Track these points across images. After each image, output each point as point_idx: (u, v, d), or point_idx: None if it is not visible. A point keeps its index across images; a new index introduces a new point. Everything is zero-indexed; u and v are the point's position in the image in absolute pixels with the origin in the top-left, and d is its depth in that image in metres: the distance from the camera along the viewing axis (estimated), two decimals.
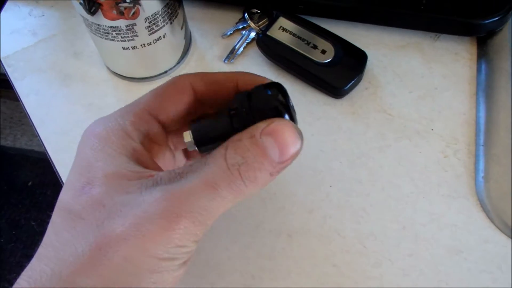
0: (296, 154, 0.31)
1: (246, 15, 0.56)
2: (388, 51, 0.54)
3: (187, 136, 0.33)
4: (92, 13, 0.45)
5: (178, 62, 0.54)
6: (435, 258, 0.42)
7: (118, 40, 0.48)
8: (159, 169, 0.34)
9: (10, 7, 0.62)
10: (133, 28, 0.46)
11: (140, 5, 0.45)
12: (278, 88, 0.32)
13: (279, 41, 0.52)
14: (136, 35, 0.47)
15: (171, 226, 0.28)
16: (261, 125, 0.30)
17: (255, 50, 0.55)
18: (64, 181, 0.48)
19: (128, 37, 0.47)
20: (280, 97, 0.32)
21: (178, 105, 0.34)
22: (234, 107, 0.32)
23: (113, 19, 0.45)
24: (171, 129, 0.36)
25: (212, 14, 0.59)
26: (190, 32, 0.56)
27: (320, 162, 0.47)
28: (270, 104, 0.31)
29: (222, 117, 0.33)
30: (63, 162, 0.50)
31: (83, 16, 0.47)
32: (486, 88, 0.50)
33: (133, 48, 0.49)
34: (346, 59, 0.51)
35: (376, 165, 0.47)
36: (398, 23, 0.54)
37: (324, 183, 0.46)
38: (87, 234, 0.29)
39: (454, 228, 0.43)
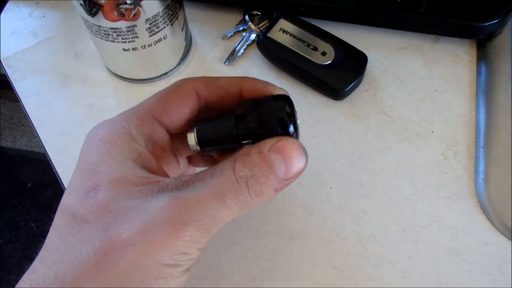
0: (300, 172, 0.32)
1: (247, 17, 0.56)
2: (388, 53, 0.54)
3: (191, 136, 0.33)
4: (92, 14, 0.45)
5: (179, 64, 0.54)
6: (435, 260, 0.42)
7: (118, 42, 0.48)
8: (164, 174, 0.34)
9: (10, 8, 0.62)
10: (133, 30, 0.46)
11: (140, 6, 0.45)
12: (286, 100, 0.33)
13: (279, 43, 0.52)
14: (137, 37, 0.47)
15: (178, 233, 0.28)
16: (269, 142, 0.31)
17: (255, 52, 0.55)
18: (64, 182, 0.48)
19: (129, 38, 0.47)
20: (288, 108, 0.32)
21: (182, 109, 0.34)
22: (241, 112, 0.33)
23: (114, 21, 0.45)
24: (174, 133, 0.36)
25: (213, 15, 0.59)
26: (190, 34, 0.56)
27: (320, 163, 0.47)
28: (277, 114, 0.32)
29: (228, 119, 0.33)
30: (63, 163, 0.50)
31: (83, 18, 0.47)
32: (486, 90, 0.50)
33: (134, 49, 0.49)
34: (347, 61, 0.51)
35: (377, 167, 0.47)
36: (398, 25, 0.54)
37: (324, 185, 0.46)
38: (92, 238, 0.29)
39: (454, 230, 0.43)
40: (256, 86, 0.35)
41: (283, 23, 0.53)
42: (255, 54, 0.55)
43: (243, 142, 0.33)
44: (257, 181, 0.30)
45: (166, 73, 0.54)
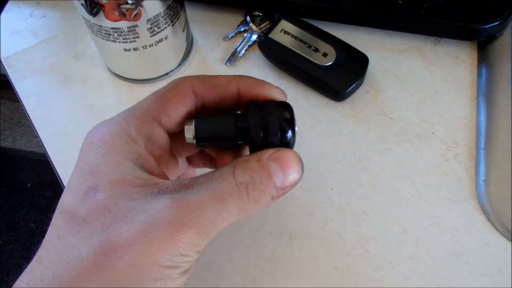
0: (296, 182, 0.33)
1: (248, 18, 0.56)
2: (389, 55, 0.54)
3: (189, 129, 0.33)
4: (94, 14, 0.45)
5: (180, 64, 0.54)
6: (435, 261, 0.42)
7: (119, 42, 0.48)
8: (163, 174, 0.34)
9: (11, 8, 0.62)
10: (134, 30, 0.46)
11: (142, 6, 0.45)
12: (287, 107, 0.34)
13: (280, 43, 0.52)
14: (138, 37, 0.47)
15: (177, 235, 0.28)
16: (268, 151, 0.32)
17: (256, 53, 0.55)
18: (64, 182, 0.48)
19: (130, 38, 0.47)
20: (288, 115, 0.33)
21: (179, 108, 0.34)
22: (242, 112, 0.34)
23: (115, 21, 0.45)
24: (173, 132, 0.36)
25: (214, 16, 0.59)
26: (191, 34, 0.56)
27: (321, 164, 0.47)
28: (278, 119, 0.33)
29: (228, 118, 0.33)
30: (63, 163, 0.50)
31: (84, 17, 0.47)
32: (486, 92, 0.50)
33: (135, 49, 0.49)
34: (348, 62, 0.51)
35: (377, 168, 0.47)
36: (399, 27, 0.54)
37: (325, 186, 0.46)
38: (91, 238, 0.29)
39: (454, 231, 0.43)
40: (253, 85, 0.35)
41: (284, 24, 0.53)
42: (256, 55, 0.55)
43: (240, 142, 0.33)
44: (256, 188, 0.30)
45: (167, 74, 0.54)
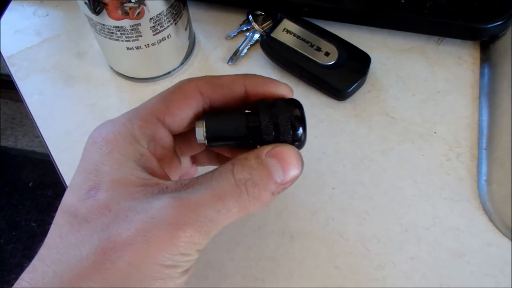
0: (296, 177, 0.33)
1: (250, 17, 0.56)
2: (391, 55, 0.54)
3: (200, 129, 0.33)
4: (97, 12, 0.45)
5: (182, 63, 0.54)
6: (437, 261, 0.42)
7: (122, 40, 0.48)
8: (165, 175, 0.34)
9: (14, 7, 0.62)
10: (137, 28, 0.46)
11: (145, 5, 0.45)
12: (297, 104, 0.34)
13: (283, 43, 0.52)
14: (141, 35, 0.47)
15: (177, 234, 0.28)
16: (266, 148, 0.32)
17: (259, 52, 0.55)
18: (66, 181, 0.48)
19: (133, 37, 0.47)
20: (298, 112, 0.33)
21: (184, 109, 0.34)
22: (252, 111, 0.34)
23: (118, 19, 0.45)
24: (177, 133, 0.36)
25: (217, 15, 0.59)
26: (194, 33, 0.56)
27: (323, 164, 0.47)
28: (290, 117, 0.33)
29: (238, 116, 0.33)
30: (66, 162, 0.50)
31: (87, 16, 0.47)
32: (489, 92, 0.50)
33: (137, 48, 0.49)
34: (350, 61, 0.51)
35: (379, 168, 0.47)
36: (401, 26, 0.54)
37: (327, 185, 0.46)
38: (92, 237, 0.29)
39: (456, 231, 0.43)
40: (260, 82, 0.35)
41: (286, 23, 0.53)
42: (259, 54, 0.55)
43: (251, 141, 0.33)
44: (255, 185, 0.30)
45: (169, 73, 0.54)
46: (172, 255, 0.28)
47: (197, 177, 0.31)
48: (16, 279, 0.29)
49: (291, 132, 0.33)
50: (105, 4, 0.44)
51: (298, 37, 0.52)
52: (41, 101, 0.54)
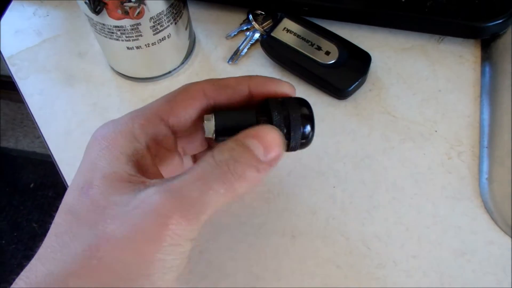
0: (279, 156, 0.32)
1: (251, 17, 0.56)
2: (392, 53, 0.54)
3: (209, 123, 0.33)
4: (97, 12, 0.45)
5: (182, 63, 0.54)
6: (439, 259, 0.42)
7: (122, 40, 0.48)
8: (159, 174, 0.34)
9: (14, 7, 0.62)
10: (137, 28, 0.46)
11: (145, 4, 0.45)
12: (306, 103, 0.35)
13: (283, 42, 0.52)
14: (141, 35, 0.47)
15: (163, 221, 0.28)
16: (245, 131, 0.31)
17: (259, 51, 0.55)
18: (67, 181, 0.48)
19: (133, 36, 0.47)
20: (307, 111, 0.34)
21: (189, 110, 0.35)
22: (262, 109, 0.34)
23: (118, 19, 0.45)
24: (180, 134, 0.36)
25: (217, 15, 0.59)
26: (194, 33, 0.56)
27: (323, 163, 0.47)
28: (300, 114, 0.34)
29: (248, 113, 0.34)
30: (67, 162, 0.50)
31: (87, 16, 0.47)
32: (490, 90, 0.50)
33: (138, 48, 0.49)
34: (350, 60, 0.51)
35: (380, 166, 0.47)
36: (402, 25, 0.54)
37: (327, 184, 0.46)
38: (82, 234, 0.29)
39: (458, 230, 0.43)
40: (263, 82, 0.35)
41: (287, 23, 0.53)
42: (259, 54, 0.55)
43: None
44: (237, 163, 0.30)
45: (169, 72, 0.54)
46: (160, 247, 0.28)
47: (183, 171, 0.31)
48: None
49: (301, 130, 0.33)
50: (105, 4, 0.44)
51: (298, 36, 0.52)
52: (41, 101, 0.54)
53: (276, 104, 0.34)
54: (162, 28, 0.48)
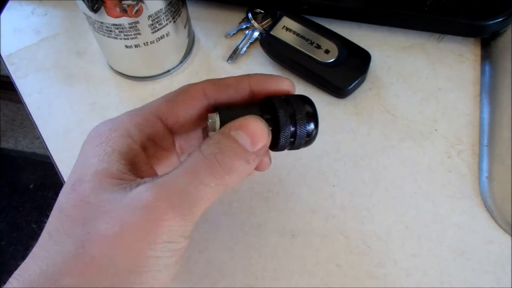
0: (266, 144, 0.32)
1: (250, 15, 0.56)
2: (392, 52, 0.54)
3: (213, 120, 0.33)
4: (95, 10, 0.45)
5: (181, 62, 0.54)
6: (438, 258, 0.42)
7: (121, 38, 0.47)
8: (153, 173, 0.34)
9: (12, 6, 0.62)
10: (136, 26, 0.46)
11: (143, 3, 0.44)
12: (310, 101, 0.35)
13: (282, 40, 0.52)
14: (139, 33, 0.47)
15: (156, 218, 0.28)
16: (229, 124, 0.31)
17: (258, 50, 0.54)
18: (65, 180, 0.48)
19: (131, 35, 0.47)
20: (311, 108, 0.34)
21: (188, 110, 0.35)
22: (267, 106, 0.34)
23: (116, 17, 0.45)
24: (179, 134, 0.36)
25: (216, 14, 0.58)
26: (193, 32, 0.56)
27: (323, 162, 0.47)
28: (306, 112, 0.34)
29: (253, 109, 0.34)
30: (66, 161, 0.50)
31: (86, 14, 0.47)
32: (490, 89, 0.50)
33: (136, 46, 0.48)
34: (350, 59, 0.50)
35: (380, 165, 0.47)
36: (402, 24, 0.54)
37: (327, 183, 0.46)
38: (73, 232, 0.29)
39: (457, 228, 0.43)
40: (264, 80, 0.35)
41: (286, 21, 0.53)
42: (258, 52, 0.55)
43: None
44: (225, 155, 0.30)
45: (168, 71, 0.54)
46: (154, 244, 0.28)
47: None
48: None
49: (307, 127, 0.33)
50: (103, 2, 0.44)
51: (297, 34, 0.52)
52: (40, 100, 0.54)
53: (281, 102, 0.34)
54: (160, 26, 0.48)
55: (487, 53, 0.52)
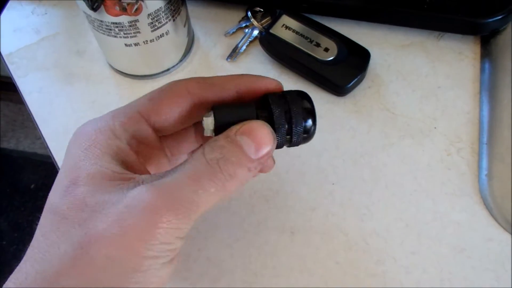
0: (270, 151, 0.32)
1: (249, 14, 0.56)
2: (392, 50, 0.54)
3: (208, 120, 0.33)
4: (94, 9, 0.45)
5: (181, 60, 0.54)
6: (438, 256, 0.42)
7: (120, 37, 0.48)
8: (145, 171, 0.33)
9: (13, 5, 0.62)
10: (135, 25, 0.46)
11: (142, 1, 0.45)
12: (306, 96, 0.34)
13: (282, 39, 0.52)
14: (139, 32, 0.47)
15: (154, 220, 0.28)
16: (235, 127, 0.31)
17: (258, 48, 0.54)
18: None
19: (131, 33, 0.47)
20: (308, 104, 0.34)
21: (172, 109, 0.34)
22: (262, 103, 0.34)
23: (116, 15, 0.45)
24: (165, 133, 0.35)
25: (215, 12, 0.59)
26: (193, 30, 0.56)
27: (323, 160, 0.47)
28: (302, 108, 0.33)
29: (248, 108, 0.33)
30: None
31: (85, 13, 0.47)
32: (489, 87, 0.50)
33: (136, 45, 0.49)
34: (349, 57, 0.50)
35: (379, 163, 0.47)
36: (402, 22, 0.54)
37: (327, 181, 0.46)
38: (70, 233, 0.28)
39: (457, 226, 0.43)
40: (250, 81, 0.35)
41: (285, 20, 0.53)
42: (258, 51, 0.55)
43: None
44: (228, 162, 0.30)
45: (168, 69, 0.54)
46: (152, 244, 0.28)
47: (173, 167, 0.31)
48: None
49: (303, 124, 0.33)
50: (103, 0, 0.44)
51: (297, 33, 0.52)
52: (40, 99, 0.54)
53: (276, 99, 0.33)
54: (160, 25, 0.48)
55: (487, 51, 0.52)
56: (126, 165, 0.32)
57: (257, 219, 0.45)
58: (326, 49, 0.51)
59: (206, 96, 0.34)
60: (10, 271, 0.29)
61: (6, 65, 0.57)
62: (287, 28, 0.52)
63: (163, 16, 0.47)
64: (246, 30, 0.56)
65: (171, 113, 0.34)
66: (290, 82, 0.52)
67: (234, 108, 0.33)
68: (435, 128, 0.48)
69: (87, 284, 0.27)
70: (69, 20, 0.60)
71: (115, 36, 0.48)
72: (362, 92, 0.51)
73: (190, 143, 0.38)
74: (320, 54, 0.50)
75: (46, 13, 0.61)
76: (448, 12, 0.51)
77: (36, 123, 0.53)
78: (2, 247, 1.56)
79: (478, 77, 0.51)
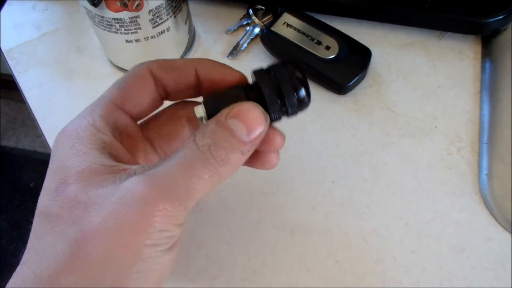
0: (262, 132, 0.31)
1: (251, 11, 0.56)
2: (392, 49, 0.53)
3: (199, 109, 0.32)
4: (95, 4, 0.45)
5: (182, 57, 0.54)
6: (438, 255, 0.42)
7: (121, 33, 0.47)
8: (135, 162, 0.33)
9: (13, 1, 0.62)
10: (136, 21, 0.46)
11: None
12: (296, 64, 0.33)
13: (283, 37, 0.52)
14: (140, 28, 0.47)
15: (149, 209, 0.27)
16: (225, 110, 0.31)
17: (259, 46, 0.54)
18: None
19: (132, 29, 0.47)
20: (299, 73, 0.32)
21: (141, 93, 0.34)
22: (251, 83, 0.33)
23: (117, 11, 0.45)
24: (143, 117, 0.35)
25: (217, 10, 0.58)
26: (194, 28, 0.56)
27: (323, 158, 0.47)
28: (290, 79, 0.32)
29: (236, 90, 0.33)
30: None
31: (86, 8, 0.47)
32: (490, 86, 0.50)
33: (136, 41, 0.48)
34: (350, 55, 0.50)
35: (380, 162, 0.47)
36: (403, 21, 0.54)
37: (327, 179, 0.46)
38: (65, 232, 0.28)
39: (457, 225, 0.43)
40: (212, 67, 0.35)
41: (287, 17, 0.53)
42: (259, 48, 0.54)
43: None
44: (220, 147, 0.29)
45: None
46: (149, 233, 0.27)
47: (165, 157, 0.30)
48: None
49: (295, 95, 0.32)
50: None
51: (298, 31, 0.52)
52: (40, 95, 0.54)
53: (264, 75, 0.32)
54: (161, 21, 0.48)
55: (488, 51, 0.52)
56: (115, 158, 0.31)
57: (257, 217, 0.45)
58: (327, 47, 0.51)
59: (167, 79, 0.34)
60: (10, 270, 0.29)
61: (6, 60, 0.57)
62: (288, 26, 0.52)
63: (164, 13, 0.47)
64: (248, 27, 0.56)
65: (142, 97, 0.34)
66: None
67: (223, 93, 0.33)
68: (435, 127, 0.48)
69: (87, 281, 0.27)
70: (70, 16, 0.60)
71: (116, 32, 0.47)
72: (363, 91, 0.51)
73: (179, 138, 0.38)
74: (321, 52, 0.50)
75: (46, 9, 0.61)
76: (449, 12, 0.51)
77: (36, 119, 0.53)
78: (2, 245, 1.56)
79: (478, 76, 0.51)
